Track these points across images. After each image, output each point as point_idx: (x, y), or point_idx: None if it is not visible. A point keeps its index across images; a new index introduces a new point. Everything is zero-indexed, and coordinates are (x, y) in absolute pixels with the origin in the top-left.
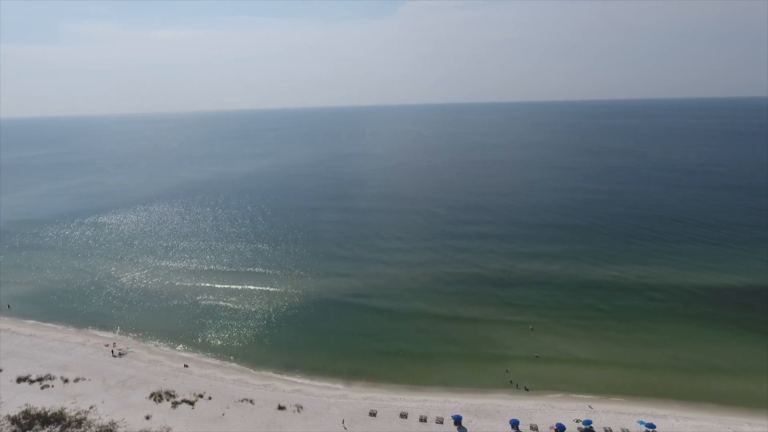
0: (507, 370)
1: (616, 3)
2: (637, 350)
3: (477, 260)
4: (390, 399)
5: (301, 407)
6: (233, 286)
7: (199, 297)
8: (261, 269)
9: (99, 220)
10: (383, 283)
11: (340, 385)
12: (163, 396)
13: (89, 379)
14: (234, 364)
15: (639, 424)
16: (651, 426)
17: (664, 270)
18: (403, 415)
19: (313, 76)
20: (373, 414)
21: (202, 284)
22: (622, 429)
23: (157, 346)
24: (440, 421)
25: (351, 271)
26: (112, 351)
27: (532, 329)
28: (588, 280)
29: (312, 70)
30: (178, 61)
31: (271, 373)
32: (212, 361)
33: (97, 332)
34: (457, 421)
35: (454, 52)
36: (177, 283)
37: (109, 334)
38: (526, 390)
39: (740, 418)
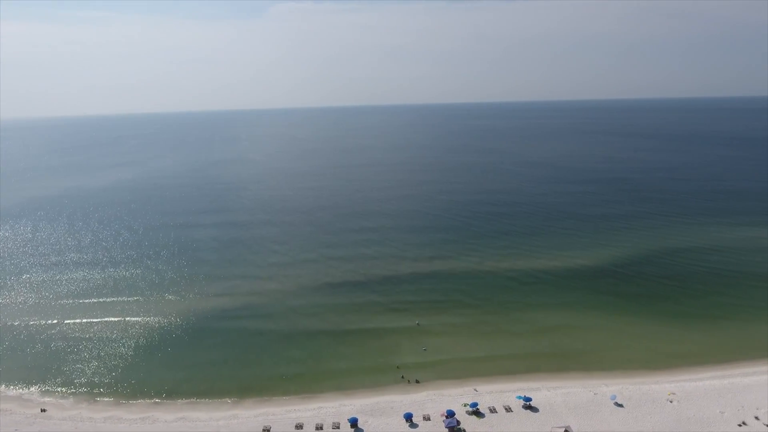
0: (398, 367)
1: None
2: (510, 333)
3: (358, 267)
4: (284, 412)
5: None
6: (95, 319)
7: (53, 334)
8: (127, 297)
9: None
10: (265, 302)
11: (229, 405)
12: None
13: None
14: (104, 400)
15: (518, 399)
16: (528, 399)
17: (526, 261)
18: (299, 426)
19: (177, 77)
20: (267, 430)
21: (55, 320)
22: (504, 406)
23: (3, 393)
24: (336, 426)
25: (229, 290)
26: None
27: (418, 324)
28: (463, 275)
29: (174, 72)
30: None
31: (149, 404)
32: (77, 400)
33: None
34: (354, 423)
35: (327, 54)
36: (20, 322)
37: None
38: (417, 383)
39: (598, 380)
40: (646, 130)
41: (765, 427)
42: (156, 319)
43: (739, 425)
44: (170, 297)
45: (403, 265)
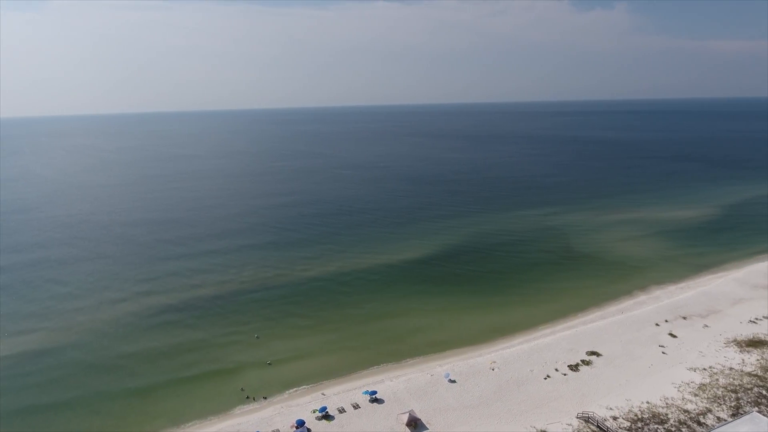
0: (242, 389)
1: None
2: (350, 333)
3: (180, 302)
4: None
5: None
6: None
7: None
8: None
9: None
10: (53, 363)
11: None
12: None
13: None
14: None
15: (364, 395)
16: (373, 393)
17: (354, 262)
18: None
19: None
20: None
21: None
22: (351, 404)
23: None
24: None
25: (13, 348)
26: None
27: (257, 338)
28: (295, 285)
29: None
30: None
31: None
32: None
33: None
34: None
35: (144, 57)
36: None
37: None
38: (265, 399)
39: (434, 362)
40: (454, 131)
41: (563, 376)
42: None
43: (545, 378)
44: None
45: (230, 286)
